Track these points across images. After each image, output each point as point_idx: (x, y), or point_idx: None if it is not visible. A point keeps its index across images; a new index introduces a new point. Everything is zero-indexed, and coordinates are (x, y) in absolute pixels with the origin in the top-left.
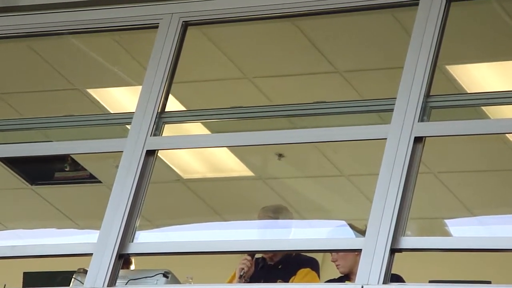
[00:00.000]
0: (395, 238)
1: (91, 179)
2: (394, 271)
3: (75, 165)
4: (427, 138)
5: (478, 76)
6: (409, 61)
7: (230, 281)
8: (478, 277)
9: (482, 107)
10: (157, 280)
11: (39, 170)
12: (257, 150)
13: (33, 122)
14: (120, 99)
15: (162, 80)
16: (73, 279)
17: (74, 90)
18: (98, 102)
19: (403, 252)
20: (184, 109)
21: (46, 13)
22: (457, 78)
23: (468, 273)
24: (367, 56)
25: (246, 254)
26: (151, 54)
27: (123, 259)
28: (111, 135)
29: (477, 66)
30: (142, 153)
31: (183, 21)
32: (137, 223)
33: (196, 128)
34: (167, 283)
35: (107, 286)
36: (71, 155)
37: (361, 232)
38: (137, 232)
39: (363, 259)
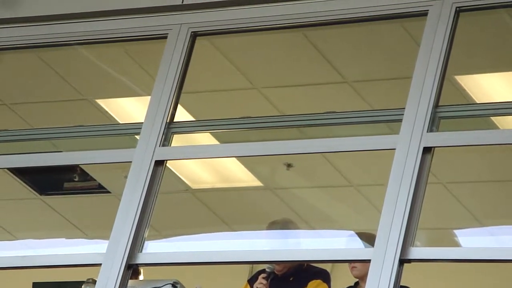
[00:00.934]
0: (404, 249)
1: (100, 189)
2: (403, 282)
3: (84, 175)
4: (436, 148)
5: (487, 86)
6: (418, 71)
7: None
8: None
9: (491, 117)
10: None
11: (48, 181)
12: (266, 160)
13: (42, 133)
14: (129, 109)
15: (171, 90)
16: None
17: (83, 100)
18: (107, 112)
19: (412, 263)
20: (193, 119)
21: (56, 24)
22: (466, 88)
23: (477, 284)
24: (376, 66)
25: (261, 277)
26: (160, 64)
27: (132, 269)
28: (120, 146)
29: (486, 76)
30: (151, 163)
31: (192, 32)
32: (146, 233)
33: (205, 138)
34: None
35: None
36: (80, 165)
37: (371, 237)
38: (146, 242)
39: (372, 269)
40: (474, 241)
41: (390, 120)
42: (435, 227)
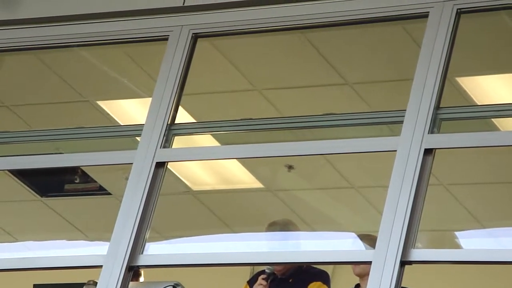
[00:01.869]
0: (405, 250)
1: (101, 191)
2: (404, 283)
3: (85, 177)
4: (437, 150)
5: (488, 88)
6: (419, 73)
7: None
8: None
9: (492, 119)
10: None
11: (49, 182)
12: (267, 162)
13: (43, 134)
14: (130, 111)
15: (172, 92)
16: None
17: (84, 102)
18: (108, 114)
19: (413, 265)
20: (194, 121)
21: (56, 26)
22: (467, 90)
23: (478, 285)
24: (376, 68)
25: (260, 278)
26: (161, 66)
27: (132, 271)
28: (121, 147)
29: (487, 78)
30: (152, 165)
31: (193, 33)
32: (147, 235)
33: (206, 140)
34: None
35: None
36: (81, 167)
37: (372, 239)
38: (146, 244)
39: (373, 271)
40: (475, 242)
41: (391, 122)
42: (436, 228)
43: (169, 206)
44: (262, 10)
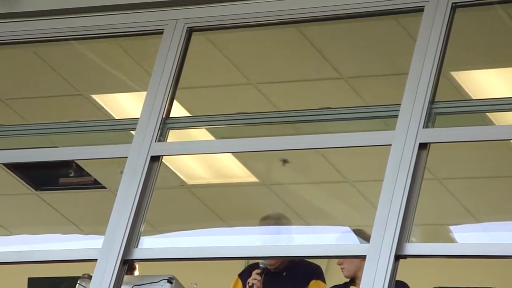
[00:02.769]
0: (399, 245)
1: (96, 184)
2: (398, 277)
3: (80, 171)
4: (432, 144)
5: (483, 82)
6: (414, 67)
7: (234, 286)
8: (482, 283)
9: (487, 113)
10: (162, 286)
11: (43, 176)
12: (262, 156)
13: (37, 128)
14: (125, 104)
15: (167, 86)
16: (77, 284)
17: (78, 95)
18: (103, 107)
19: (408, 259)
20: (189, 115)
21: (51, 19)
22: (462, 84)
23: (473, 279)
24: (372, 62)
25: (255, 272)
26: (155, 59)
27: (127, 265)
28: (116, 141)
29: (482, 72)
30: (147, 159)
31: (188, 27)
32: (142, 229)
33: (201, 134)
34: None
35: None
36: (75, 160)
37: (368, 238)
38: (141, 238)
39: (367, 265)
40: (470, 237)
41: (386, 116)
42: (430, 223)
43: (164, 200)
44: (257, 4)
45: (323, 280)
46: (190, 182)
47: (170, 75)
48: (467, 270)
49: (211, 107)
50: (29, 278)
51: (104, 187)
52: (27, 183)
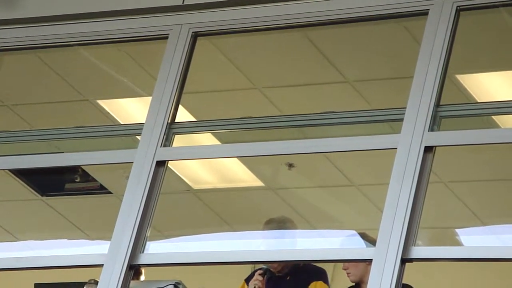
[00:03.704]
0: (405, 248)
1: (102, 190)
2: (405, 281)
3: (86, 176)
4: (437, 147)
5: (488, 85)
6: (419, 71)
7: None
8: (489, 286)
9: (492, 117)
10: None
11: (49, 182)
12: (267, 160)
13: (43, 134)
14: (130, 110)
15: (172, 90)
16: None
17: (84, 101)
18: (108, 113)
19: (414, 262)
20: (194, 119)
21: (56, 25)
22: (467, 88)
23: (479, 282)
24: (376, 66)
25: (257, 273)
26: (161, 64)
27: (133, 270)
28: (121, 146)
29: (487, 75)
30: (152, 164)
31: (193, 32)
32: (148, 234)
33: (206, 139)
34: None
35: None
36: (81, 166)
37: (373, 242)
38: (147, 243)
39: (373, 269)
40: (476, 240)
41: (391, 120)
42: (436, 226)
43: (170, 205)
44: (262, 9)
45: (325, 282)
46: (195, 186)
47: (175, 80)
48: (473, 273)
49: (216, 111)
50: (35, 284)
51: (110, 193)
52: (32, 188)
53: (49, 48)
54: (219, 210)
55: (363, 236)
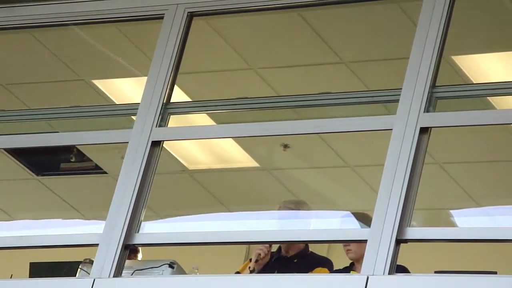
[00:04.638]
0: (400, 229)
1: (97, 170)
2: (399, 261)
3: (81, 156)
4: (432, 128)
5: (484, 67)
6: (415, 52)
7: (243, 269)
8: (483, 267)
9: (488, 98)
10: (163, 270)
11: (45, 161)
12: (263, 141)
13: (38, 113)
14: (126, 90)
15: (168, 71)
16: (79, 269)
17: (79, 81)
18: (104, 93)
19: (409, 243)
20: (190, 100)
21: (51, 4)
22: (463, 69)
23: (474, 263)
24: (372, 47)
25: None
26: (156, 45)
27: (128, 250)
28: (117, 126)
29: (483, 57)
30: (148, 144)
31: (188, 12)
32: (143, 214)
33: (202, 119)
34: (172, 273)
35: (113, 276)
36: (76, 146)
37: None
38: (142, 223)
39: (368, 249)
40: (471, 221)
41: (387, 101)
42: (431, 207)
43: (165, 185)
44: None
45: (330, 270)
46: (191, 167)
47: (170, 60)
48: (468, 254)
49: (211, 92)
50: (30, 263)
51: (105, 172)
52: (28, 168)
53: (44, 28)
54: (214, 190)
55: (365, 216)
